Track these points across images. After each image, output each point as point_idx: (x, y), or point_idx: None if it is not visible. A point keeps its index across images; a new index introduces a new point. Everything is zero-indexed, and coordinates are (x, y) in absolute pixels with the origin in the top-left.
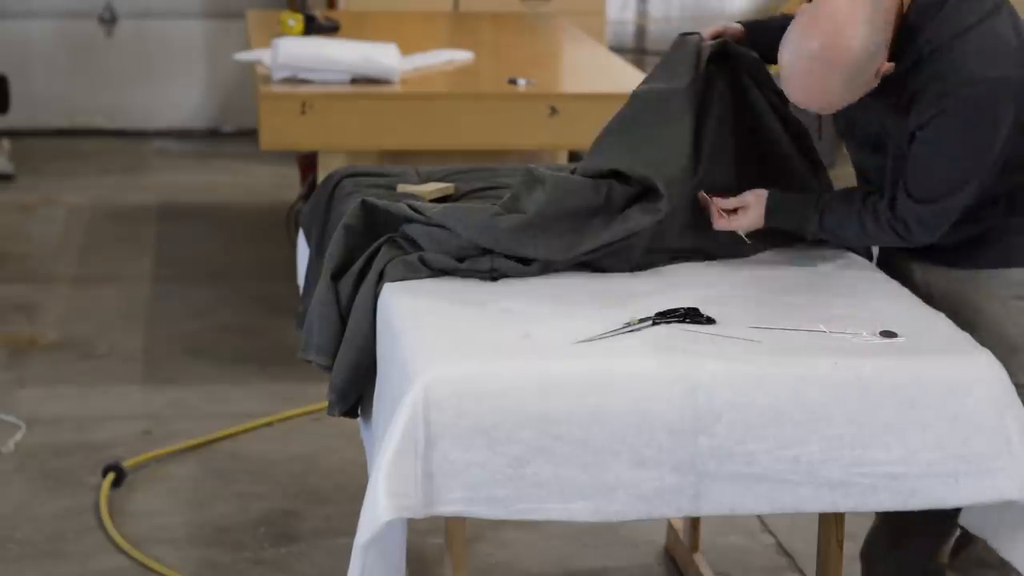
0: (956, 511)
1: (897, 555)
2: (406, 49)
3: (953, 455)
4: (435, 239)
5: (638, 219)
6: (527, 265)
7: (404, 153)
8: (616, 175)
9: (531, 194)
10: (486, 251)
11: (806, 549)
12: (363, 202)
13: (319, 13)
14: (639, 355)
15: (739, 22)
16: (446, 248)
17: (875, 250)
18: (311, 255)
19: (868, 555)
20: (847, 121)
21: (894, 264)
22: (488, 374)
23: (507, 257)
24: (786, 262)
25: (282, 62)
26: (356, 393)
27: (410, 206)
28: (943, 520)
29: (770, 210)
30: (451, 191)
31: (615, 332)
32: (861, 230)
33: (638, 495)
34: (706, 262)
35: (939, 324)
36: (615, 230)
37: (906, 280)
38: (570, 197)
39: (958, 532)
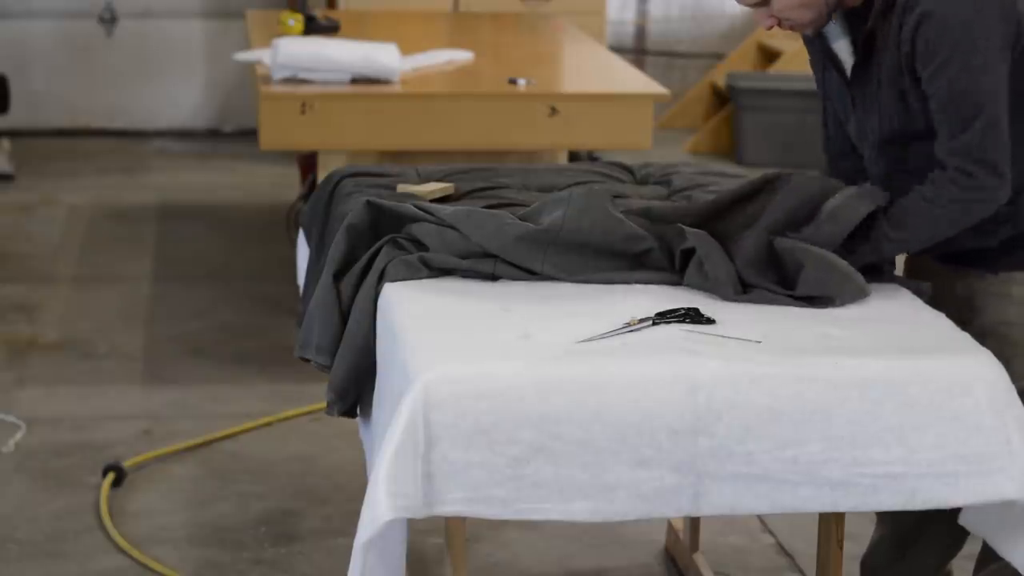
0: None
1: (901, 568)
2: (406, 49)
3: (953, 455)
4: (445, 240)
5: (652, 277)
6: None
7: (404, 153)
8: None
9: (554, 211)
10: (491, 254)
11: (806, 549)
12: (368, 202)
13: (319, 13)
14: (639, 355)
15: None
16: (454, 249)
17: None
18: (311, 255)
19: (870, 567)
20: (858, 126)
21: (925, 271)
22: (488, 374)
23: (511, 265)
24: None
25: (282, 62)
26: (355, 393)
27: (417, 206)
28: (950, 533)
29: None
30: (451, 191)
31: (615, 332)
32: (933, 216)
33: (638, 495)
34: None
35: (939, 324)
36: (626, 276)
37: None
38: (593, 227)
39: (964, 546)
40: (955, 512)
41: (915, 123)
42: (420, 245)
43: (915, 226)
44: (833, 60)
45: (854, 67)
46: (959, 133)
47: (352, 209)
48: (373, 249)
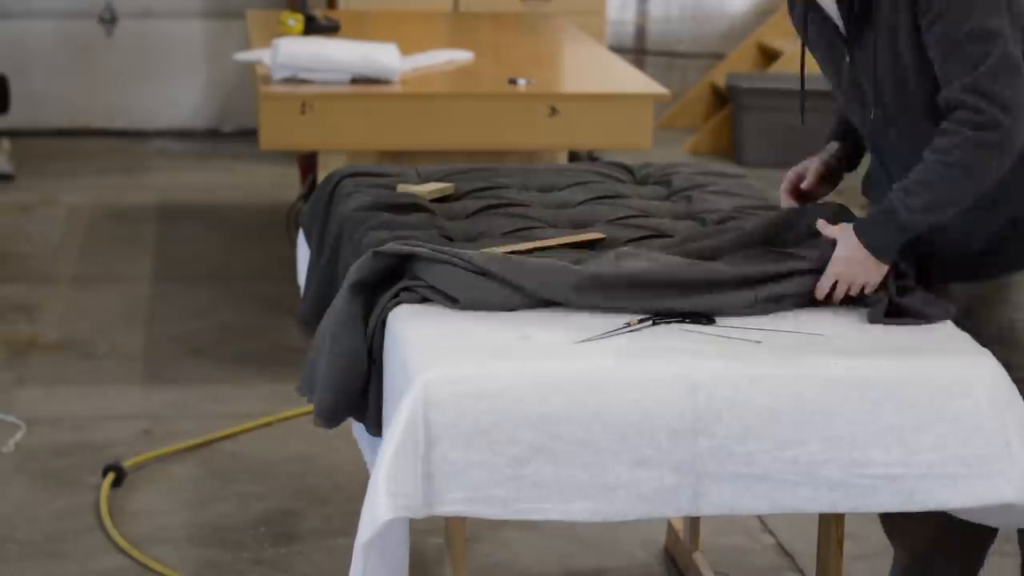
0: (985, 544)
1: None
2: (406, 49)
3: (953, 456)
4: (479, 288)
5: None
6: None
7: (404, 153)
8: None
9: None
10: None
11: (806, 549)
12: (374, 253)
13: (319, 13)
14: (639, 355)
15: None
16: (490, 300)
17: None
18: (311, 255)
19: None
20: (850, 82)
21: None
22: (488, 374)
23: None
24: None
25: (282, 62)
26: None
27: (436, 249)
28: (965, 554)
29: (862, 231)
30: (451, 191)
31: (615, 332)
32: (947, 168)
33: (638, 495)
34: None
35: (939, 324)
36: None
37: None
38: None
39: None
40: (968, 531)
41: (906, 83)
42: (434, 290)
43: (929, 185)
44: (824, 18)
45: (848, 20)
46: (969, 71)
47: (358, 261)
48: (380, 308)
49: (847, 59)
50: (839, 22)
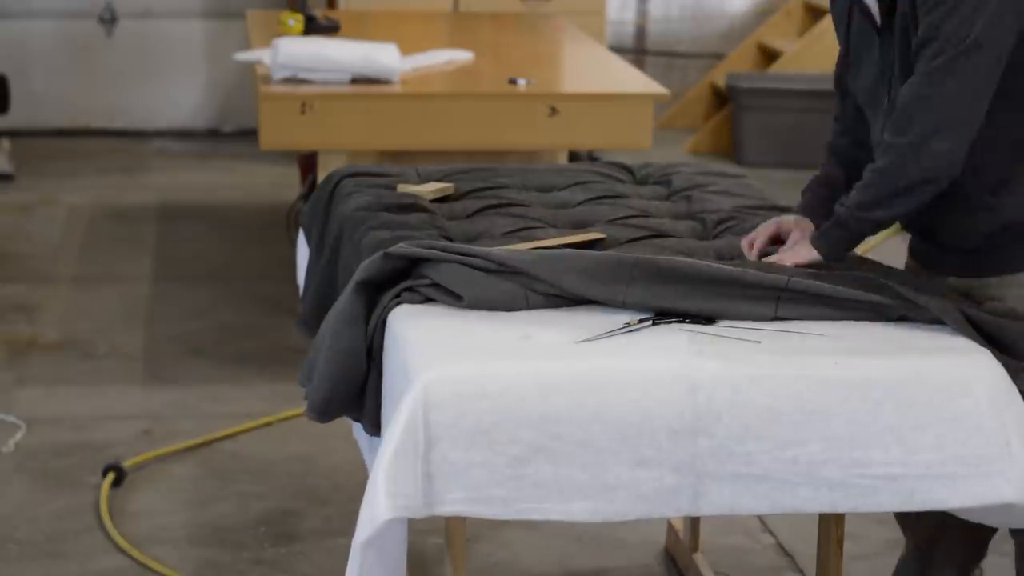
0: (984, 538)
1: None
2: (406, 49)
3: (952, 456)
4: (482, 286)
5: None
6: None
7: (404, 153)
8: None
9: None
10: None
11: (806, 549)
12: (385, 254)
13: (319, 13)
14: (639, 355)
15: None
16: (490, 294)
17: None
18: (311, 255)
19: None
20: (865, 81)
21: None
22: (488, 374)
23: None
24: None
25: (282, 62)
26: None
27: (443, 247)
28: (964, 546)
29: (816, 238)
30: (451, 191)
31: (615, 332)
32: (872, 172)
33: (638, 495)
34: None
35: (939, 324)
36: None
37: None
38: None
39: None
40: (969, 525)
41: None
42: (437, 287)
43: (865, 186)
44: (863, 11)
45: (882, 17)
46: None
47: (367, 260)
48: (381, 308)
49: (877, 53)
50: (875, 12)
